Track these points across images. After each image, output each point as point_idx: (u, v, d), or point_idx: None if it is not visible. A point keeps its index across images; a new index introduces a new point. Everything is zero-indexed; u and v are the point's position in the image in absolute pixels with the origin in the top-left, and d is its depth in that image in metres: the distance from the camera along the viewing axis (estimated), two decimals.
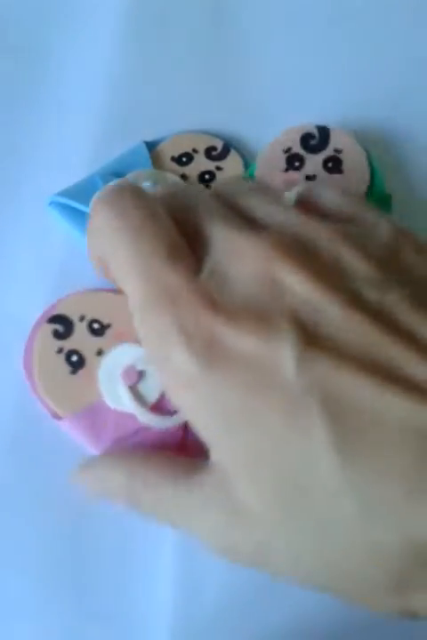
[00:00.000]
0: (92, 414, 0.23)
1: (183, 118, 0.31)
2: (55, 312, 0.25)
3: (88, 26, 0.34)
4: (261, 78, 0.33)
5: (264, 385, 0.16)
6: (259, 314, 0.17)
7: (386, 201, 0.28)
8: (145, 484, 0.19)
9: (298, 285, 0.17)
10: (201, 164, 0.30)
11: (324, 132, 0.29)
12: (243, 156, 0.30)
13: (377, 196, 0.28)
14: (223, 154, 0.30)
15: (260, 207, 0.20)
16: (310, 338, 0.16)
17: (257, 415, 0.16)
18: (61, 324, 0.25)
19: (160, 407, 0.23)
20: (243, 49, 0.34)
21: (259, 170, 0.29)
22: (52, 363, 0.24)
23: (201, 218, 0.19)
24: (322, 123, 0.30)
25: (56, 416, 0.24)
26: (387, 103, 0.32)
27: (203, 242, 0.19)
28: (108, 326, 0.25)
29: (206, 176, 0.29)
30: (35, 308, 0.26)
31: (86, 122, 0.31)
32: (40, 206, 0.29)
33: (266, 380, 0.16)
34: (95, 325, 0.25)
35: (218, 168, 0.30)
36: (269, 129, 0.30)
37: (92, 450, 0.23)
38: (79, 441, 0.23)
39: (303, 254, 0.18)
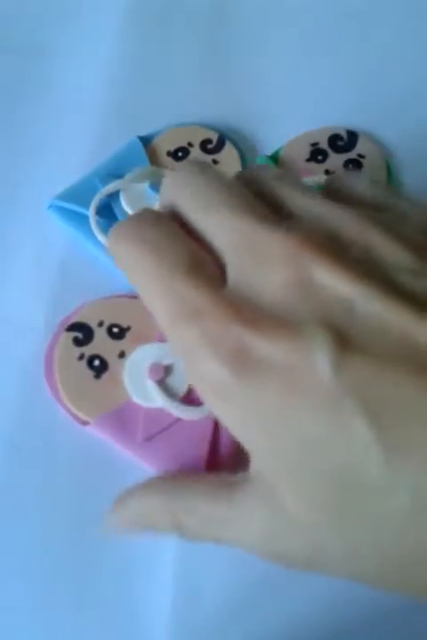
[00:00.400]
0: (121, 414, 0.23)
1: (177, 111, 0.31)
2: (73, 320, 0.25)
3: (84, 23, 0.33)
4: (258, 72, 0.32)
5: (300, 390, 0.16)
6: (289, 318, 0.16)
7: None
8: (187, 511, 0.19)
9: (330, 281, 0.16)
10: (197, 157, 0.30)
11: (352, 137, 0.30)
12: (239, 149, 0.30)
13: None
14: (219, 147, 0.30)
15: (290, 196, 0.19)
16: (345, 339, 0.15)
17: (296, 421, 0.16)
18: (81, 331, 0.25)
19: (190, 399, 0.23)
20: (238, 43, 0.33)
21: (283, 155, 0.30)
22: (75, 369, 0.24)
23: (222, 216, 0.18)
24: (317, 120, 0.30)
25: (83, 422, 0.24)
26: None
27: (226, 244, 0.18)
28: (128, 329, 0.25)
29: None
30: (36, 312, 0.26)
31: (83, 117, 0.31)
32: (38, 206, 0.28)
33: (302, 385, 0.16)
34: (115, 329, 0.25)
35: (214, 161, 0.30)
36: (267, 122, 0.30)
37: (124, 450, 0.23)
38: (108, 444, 0.23)
39: (335, 248, 0.17)
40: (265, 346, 0.16)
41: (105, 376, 0.24)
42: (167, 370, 0.24)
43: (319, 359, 0.15)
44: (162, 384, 0.23)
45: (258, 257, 0.17)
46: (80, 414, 0.24)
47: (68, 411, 0.24)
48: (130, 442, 0.23)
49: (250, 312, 0.17)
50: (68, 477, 0.23)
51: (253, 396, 0.16)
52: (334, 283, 0.16)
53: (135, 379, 0.24)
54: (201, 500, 0.19)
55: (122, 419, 0.23)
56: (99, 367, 0.24)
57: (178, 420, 0.23)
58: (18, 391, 0.25)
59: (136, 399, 0.23)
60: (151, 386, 0.23)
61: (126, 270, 0.19)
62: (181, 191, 0.19)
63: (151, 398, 0.23)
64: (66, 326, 0.25)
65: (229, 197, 0.18)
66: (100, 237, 0.26)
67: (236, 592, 0.22)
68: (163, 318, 0.18)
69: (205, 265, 0.18)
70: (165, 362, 0.24)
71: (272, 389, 0.16)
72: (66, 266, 0.28)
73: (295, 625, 0.22)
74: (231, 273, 0.18)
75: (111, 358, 0.24)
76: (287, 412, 0.16)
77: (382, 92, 0.32)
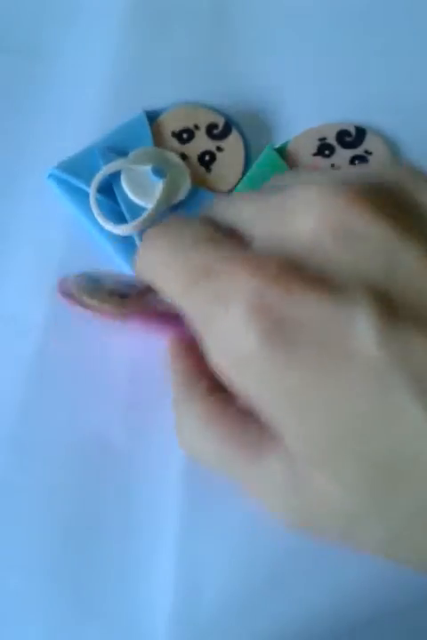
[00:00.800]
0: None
1: (186, 90, 0.31)
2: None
3: (91, 14, 0.32)
4: (269, 63, 0.32)
5: (339, 362, 0.14)
6: (328, 278, 0.14)
7: None
8: (224, 462, 0.18)
9: (372, 231, 0.14)
10: (202, 142, 0.29)
11: (360, 133, 0.30)
12: (244, 138, 0.30)
13: None
14: (225, 132, 0.30)
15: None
16: (391, 304, 0.13)
17: (333, 396, 0.14)
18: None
19: None
20: (249, 35, 0.33)
21: (290, 148, 0.30)
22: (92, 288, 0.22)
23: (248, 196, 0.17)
24: (326, 115, 0.30)
25: (122, 316, 0.21)
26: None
27: (251, 214, 0.17)
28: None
29: (206, 157, 0.29)
30: (37, 310, 0.26)
31: (87, 107, 0.30)
32: (40, 179, 0.28)
33: (340, 355, 0.14)
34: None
35: (218, 148, 0.29)
36: (275, 114, 0.30)
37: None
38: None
39: (377, 197, 0.15)
40: (299, 308, 0.14)
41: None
42: None
43: (362, 326, 0.13)
44: None
45: (287, 210, 0.15)
46: (116, 310, 0.21)
47: (105, 314, 0.21)
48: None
49: (280, 267, 0.14)
50: (69, 477, 0.23)
51: (281, 364, 0.14)
52: (378, 233, 0.14)
53: None
54: (234, 457, 0.17)
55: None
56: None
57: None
58: (18, 391, 0.25)
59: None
60: None
61: (150, 263, 0.18)
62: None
63: None
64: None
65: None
66: (98, 216, 0.26)
67: (236, 592, 0.22)
68: (176, 284, 0.16)
69: (229, 235, 0.16)
70: None
71: (306, 360, 0.14)
72: (66, 241, 0.27)
73: (295, 625, 0.22)
74: (257, 241, 0.16)
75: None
76: (323, 386, 0.14)
77: (392, 89, 0.32)
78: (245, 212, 0.17)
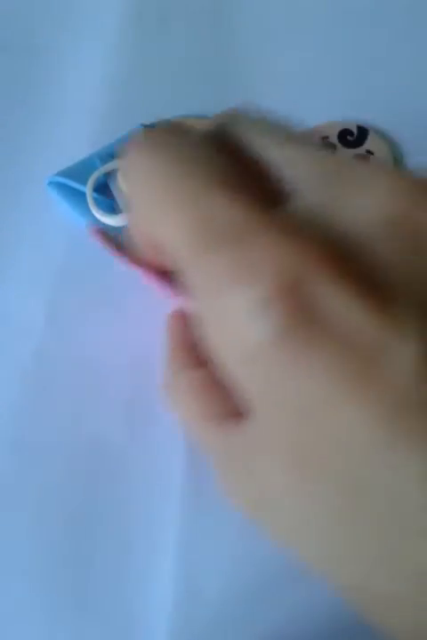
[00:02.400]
0: None
1: (181, 105, 0.31)
2: None
3: (91, 14, 0.34)
4: (270, 65, 0.33)
5: (361, 380, 0.11)
6: (379, 284, 0.11)
7: None
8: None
9: None
10: None
11: (362, 132, 0.30)
12: None
13: None
14: None
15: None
16: None
17: (340, 415, 0.11)
18: None
19: None
20: (248, 37, 0.33)
21: None
22: None
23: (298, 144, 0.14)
24: (329, 114, 0.30)
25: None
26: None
27: (302, 170, 0.13)
28: None
29: None
30: (35, 297, 0.26)
31: (87, 108, 0.31)
32: (40, 191, 0.29)
33: (365, 374, 0.11)
34: None
35: None
36: (276, 111, 0.29)
37: None
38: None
39: None
40: (337, 307, 0.11)
41: None
42: None
43: (404, 352, 0.11)
44: None
45: (349, 178, 0.13)
46: None
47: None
48: None
49: (327, 250, 0.12)
50: (68, 477, 0.23)
51: (295, 364, 0.11)
52: None
53: None
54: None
55: None
56: None
57: None
58: (18, 391, 0.25)
59: None
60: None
61: (140, 186, 0.14)
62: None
63: None
64: None
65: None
66: (96, 213, 0.26)
67: (236, 592, 0.22)
68: (182, 234, 0.13)
69: (254, 187, 0.13)
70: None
71: (324, 365, 0.11)
72: (66, 266, 0.27)
73: (295, 625, 0.21)
74: (300, 200, 0.13)
75: None
76: (334, 402, 0.11)
77: (395, 89, 0.32)
78: (289, 151, 0.14)
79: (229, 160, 0.14)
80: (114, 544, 0.22)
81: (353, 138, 0.30)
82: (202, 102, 0.31)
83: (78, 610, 0.22)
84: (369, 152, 0.30)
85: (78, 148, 0.29)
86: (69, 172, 0.28)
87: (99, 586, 0.22)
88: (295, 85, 0.32)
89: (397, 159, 0.29)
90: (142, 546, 0.22)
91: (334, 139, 0.30)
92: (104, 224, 0.26)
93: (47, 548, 0.22)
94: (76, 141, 0.29)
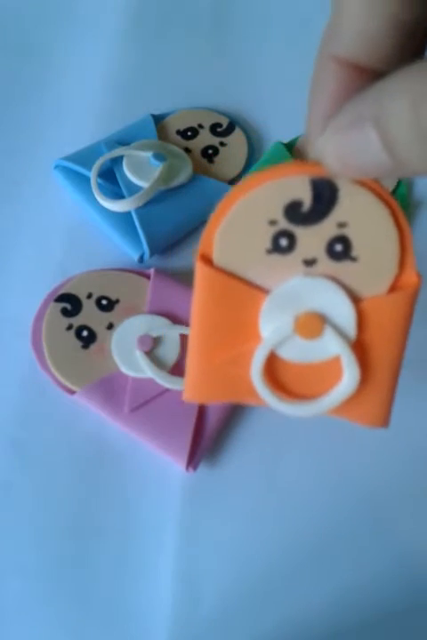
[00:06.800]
0: (108, 384, 0.23)
1: (192, 97, 0.32)
2: (62, 291, 0.25)
3: (91, 14, 0.34)
4: (275, 65, 0.33)
5: None
6: None
7: (406, 210, 0.29)
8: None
9: None
10: (205, 138, 0.30)
11: None
12: (247, 135, 0.31)
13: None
14: (228, 130, 0.30)
15: None
16: None
17: None
18: (69, 303, 0.25)
19: (178, 370, 0.23)
20: (244, 41, 0.34)
21: (299, 144, 0.30)
22: (63, 339, 0.24)
23: None
24: None
25: (69, 391, 0.23)
26: None
27: None
28: (117, 302, 0.25)
29: (210, 151, 0.30)
30: (40, 283, 0.26)
31: (97, 98, 0.32)
32: (47, 178, 0.29)
33: None
34: (104, 302, 0.25)
35: (221, 143, 0.30)
36: (279, 113, 0.31)
37: (111, 419, 0.23)
38: (96, 413, 0.23)
39: None
40: None
41: (93, 347, 0.24)
42: (156, 341, 0.24)
43: None
44: (150, 355, 0.23)
45: None
46: (67, 383, 0.23)
47: (55, 379, 0.24)
48: (116, 412, 0.23)
49: None
50: (68, 477, 0.23)
51: None
52: None
53: (123, 349, 0.23)
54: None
55: (108, 389, 0.23)
56: (87, 338, 0.24)
57: (164, 391, 0.23)
58: (17, 391, 0.25)
59: (124, 369, 0.23)
60: (140, 356, 0.23)
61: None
62: None
63: (140, 369, 0.23)
64: (55, 297, 0.25)
65: None
66: (99, 198, 0.26)
67: (236, 592, 0.22)
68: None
69: None
70: (154, 333, 0.24)
71: None
72: (66, 265, 0.27)
73: (295, 625, 0.21)
74: None
75: (100, 329, 0.24)
76: None
77: None
78: None
79: None
80: (114, 544, 0.22)
81: None
82: (202, 102, 0.32)
83: (78, 610, 0.21)
84: None
85: (89, 126, 0.30)
86: (76, 157, 0.28)
87: (99, 586, 0.22)
88: (295, 85, 0.32)
89: None
90: (142, 546, 0.22)
91: None
92: (108, 213, 0.27)
93: (47, 548, 0.22)
94: (82, 140, 0.29)
